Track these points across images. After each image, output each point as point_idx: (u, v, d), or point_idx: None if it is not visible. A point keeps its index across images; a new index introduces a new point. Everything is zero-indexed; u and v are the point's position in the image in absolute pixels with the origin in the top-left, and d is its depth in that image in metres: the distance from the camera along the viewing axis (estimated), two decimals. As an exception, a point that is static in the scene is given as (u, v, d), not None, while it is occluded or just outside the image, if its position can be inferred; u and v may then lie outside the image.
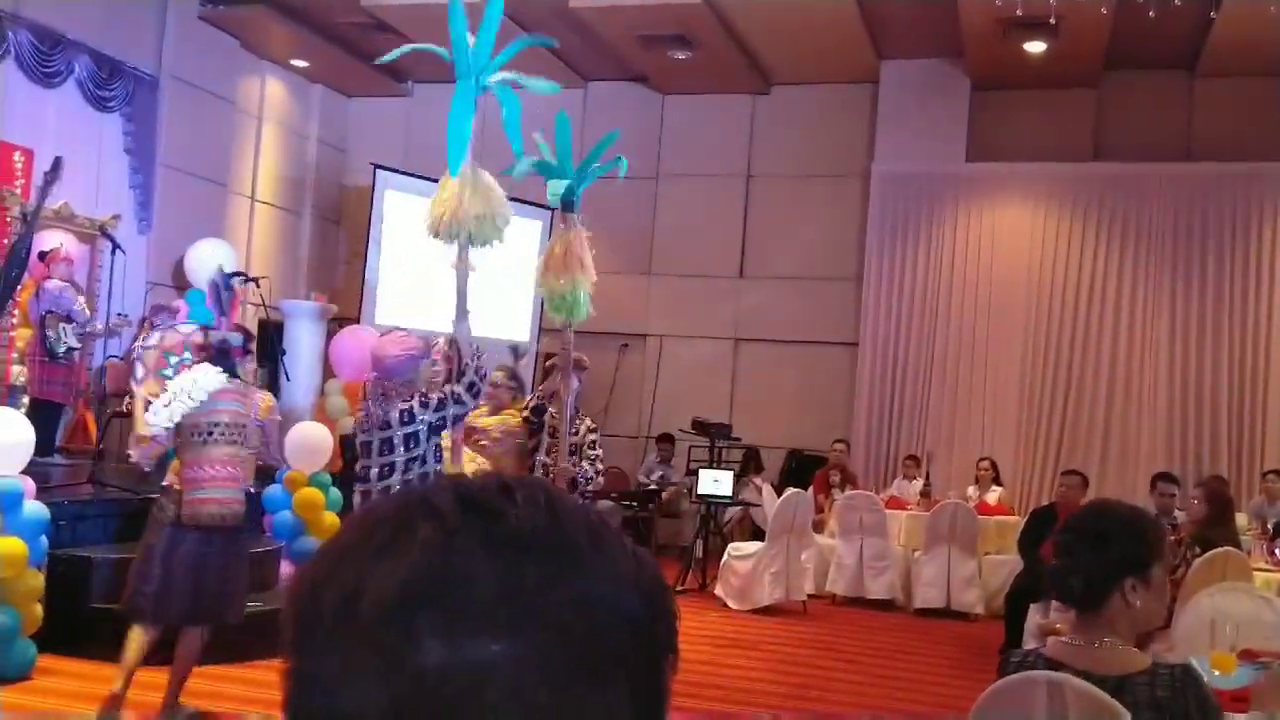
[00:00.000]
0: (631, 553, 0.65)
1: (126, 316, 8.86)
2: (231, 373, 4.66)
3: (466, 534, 0.60)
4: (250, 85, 11.75)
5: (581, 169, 5.72)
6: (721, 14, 10.02)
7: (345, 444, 8.59)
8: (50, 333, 7.95)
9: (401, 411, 4.79)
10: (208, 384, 4.54)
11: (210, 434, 4.55)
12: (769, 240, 11.88)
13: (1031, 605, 7.46)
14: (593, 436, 6.42)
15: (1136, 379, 10.63)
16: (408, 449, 4.79)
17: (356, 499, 5.11)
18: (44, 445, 7.65)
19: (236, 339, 4.80)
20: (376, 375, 4.99)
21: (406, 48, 5.38)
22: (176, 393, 4.53)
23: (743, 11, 9.99)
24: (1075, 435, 10.72)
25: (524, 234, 11.16)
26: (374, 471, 4.83)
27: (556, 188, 5.69)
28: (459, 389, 4.87)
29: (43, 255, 8.32)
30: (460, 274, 5.13)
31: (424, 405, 4.82)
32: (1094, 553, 2.09)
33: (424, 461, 4.83)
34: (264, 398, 4.95)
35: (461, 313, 5.17)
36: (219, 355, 4.68)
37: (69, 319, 8.07)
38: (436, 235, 5.06)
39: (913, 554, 9.10)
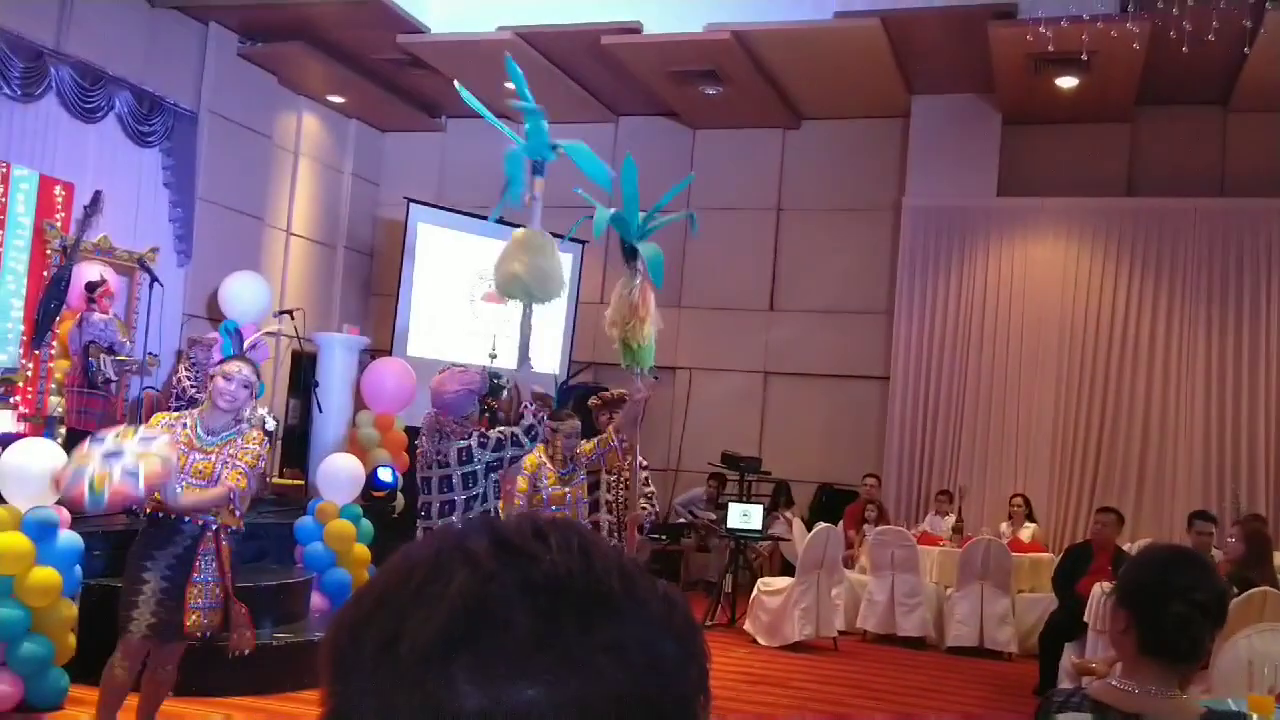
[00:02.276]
0: (663, 595, 0.65)
1: (157, 356, 9.01)
2: None
3: (502, 579, 0.61)
4: (287, 121, 11.92)
5: (647, 220, 5.67)
6: (752, 50, 10.08)
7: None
8: (92, 361, 8.04)
9: (459, 450, 4.84)
10: None
11: None
12: (799, 273, 11.89)
13: (1066, 644, 7.36)
14: (645, 474, 6.42)
15: (1172, 415, 10.50)
16: (466, 487, 4.84)
17: (419, 535, 5.04)
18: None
19: None
20: (434, 411, 5.02)
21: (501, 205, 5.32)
22: None
23: (773, 47, 10.05)
24: (1110, 472, 10.60)
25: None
26: (434, 508, 4.89)
27: (610, 225, 5.62)
28: (518, 431, 4.92)
29: (92, 287, 8.40)
30: (525, 323, 5.10)
31: (482, 445, 4.86)
32: (1203, 608, 2.03)
33: (484, 499, 4.87)
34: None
35: (524, 358, 5.13)
36: None
37: (110, 350, 8.17)
38: (506, 293, 5.01)
39: (945, 591, 9.01)
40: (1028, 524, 9.66)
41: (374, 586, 0.64)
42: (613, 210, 5.50)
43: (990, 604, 8.66)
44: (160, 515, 4.29)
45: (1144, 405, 10.57)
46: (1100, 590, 6.99)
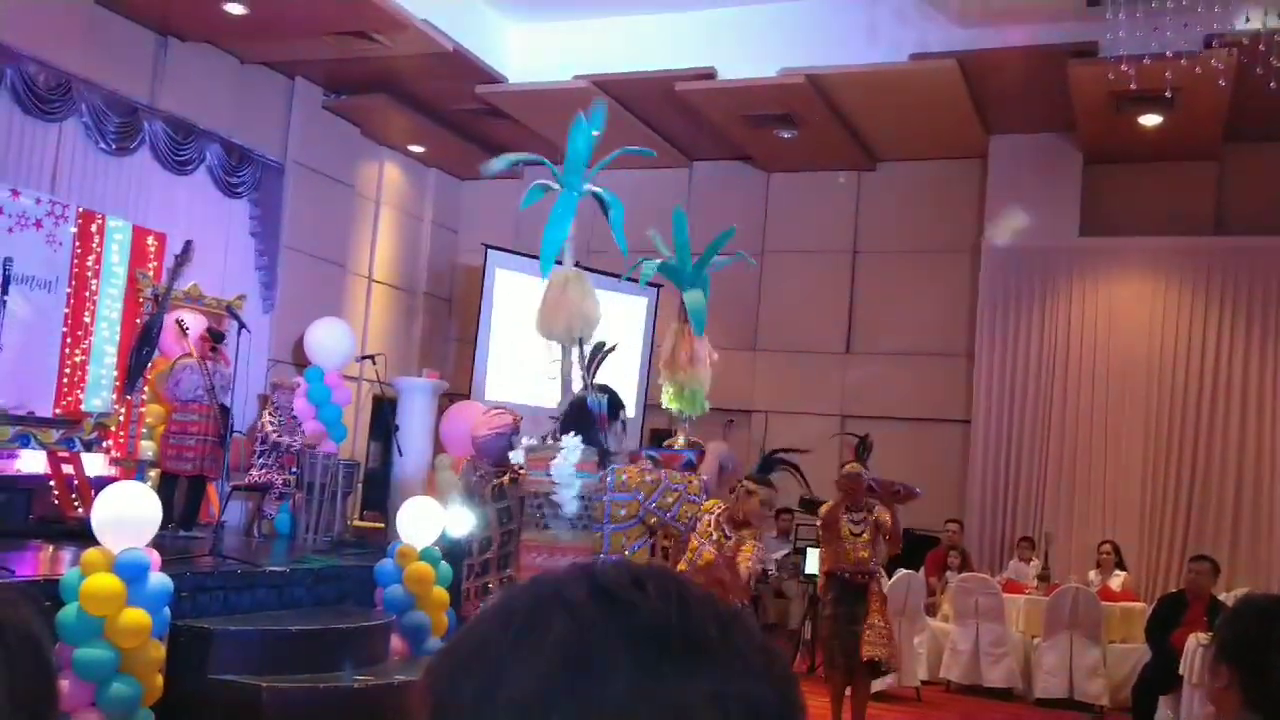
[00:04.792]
0: (761, 645, 0.64)
1: None
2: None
3: (602, 627, 0.60)
4: (369, 170, 12.21)
5: (699, 268, 5.85)
6: (826, 93, 10.08)
7: None
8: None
9: (494, 487, 4.87)
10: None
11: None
12: (877, 316, 11.77)
13: (1160, 698, 7.12)
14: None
15: (1268, 459, 10.14)
16: (501, 524, 4.83)
17: (464, 571, 5.15)
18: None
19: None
20: (473, 455, 5.11)
21: (513, 158, 5.49)
22: None
23: (847, 90, 10.04)
24: (1203, 518, 10.25)
25: (629, 312, 11.28)
26: (474, 545, 4.92)
27: (695, 301, 5.83)
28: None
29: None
30: (566, 363, 5.19)
31: (514, 481, 4.86)
32: None
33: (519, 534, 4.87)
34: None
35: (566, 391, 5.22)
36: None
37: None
38: (551, 336, 5.12)
39: (1032, 640, 8.77)
40: (1118, 572, 9.38)
41: (472, 633, 0.63)
42: (659, 260, 5.68)
43: (1080, 655, 8.40)
44: None
45: (1237, 449, 10.22)
46: (1196, 642, 6.75)
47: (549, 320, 5.03)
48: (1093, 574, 9.40)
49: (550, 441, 4.39)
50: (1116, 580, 9.27)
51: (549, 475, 4.24)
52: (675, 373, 5.84)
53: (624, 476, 4.35)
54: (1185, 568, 8.35)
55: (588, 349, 5.05)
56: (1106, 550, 9.52)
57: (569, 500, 4.20)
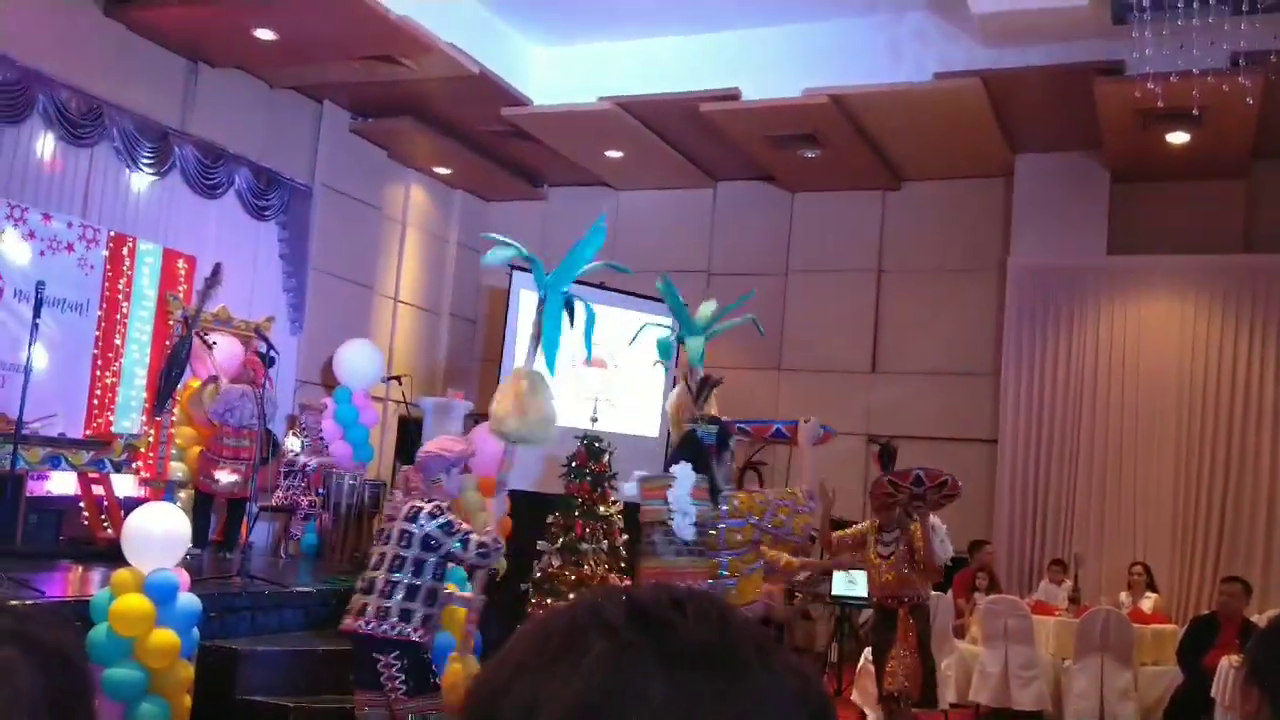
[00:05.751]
0: (798, 669, 0.64)
1: None
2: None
3: (638, 648, 0.60)
4: (395, 192, 12.29)
5: (708, 327, 5.93)
6: (850, 113, 10.08)
7: None
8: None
9: (411, 507, 4.81)
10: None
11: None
12: (902, 335, 11.73)
13: (1193, 721, 7.02)
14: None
15: (1301, 479, 10.01)
16: (399, 544, 4.77)
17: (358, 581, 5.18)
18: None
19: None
20: (413, 467, 5.09)
21: (506, 255, 5.72)
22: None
23: (871, 110, 10.04)
24: (1235, 539, 10.12)
25: (654, 333, 11.28)
26: (373, 559, 4.91)
27: (694, 346, 5.89)
28: (474, 538, 4.83)
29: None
30: (503, 472, 5.41)
31: (431, 516, 4.80)
32: None
33: (415, 569, 4.72)
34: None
35: (500, 488, 5.51)
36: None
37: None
38: (502, 435, 5.28)
39: (1062, 663, 8.67)
40: (1149, 594, 9.27)
41: (511, 654, 0.64)
42: (667, 334, 5.78)
43: (1111, 677, 8.30)
44: None
45: (1269, 469, 10.10)
46: (1228, 664, 6.67)
47: (508, 419, 5.17)
48: (1124, 596, 9.30)
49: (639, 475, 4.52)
50: (1148, 602, 9.17)
51: (666, 504, 4.33)
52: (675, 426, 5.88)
53: (736, 502, 4.49)
54: (1217, 589, 8.26)
55: (693, 383, 5.19)
56: (1137, 572, 9.42)
57: (686, 527, 4.28)
